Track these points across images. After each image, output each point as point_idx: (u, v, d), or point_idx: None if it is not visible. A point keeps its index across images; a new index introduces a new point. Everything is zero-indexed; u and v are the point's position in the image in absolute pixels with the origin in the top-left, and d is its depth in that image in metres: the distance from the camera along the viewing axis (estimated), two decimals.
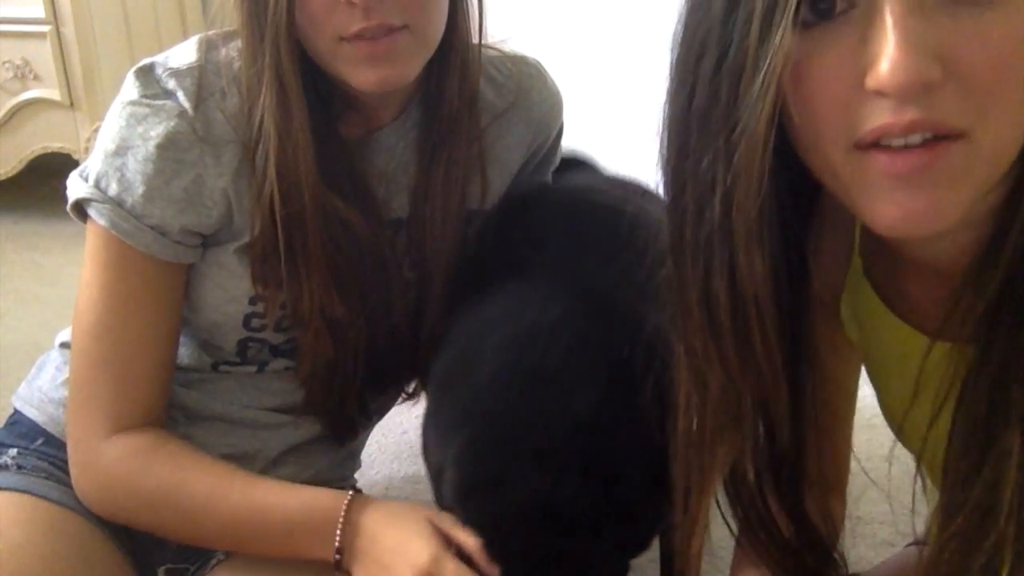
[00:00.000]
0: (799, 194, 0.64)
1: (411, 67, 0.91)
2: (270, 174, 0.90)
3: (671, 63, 0.63)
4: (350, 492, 0.93)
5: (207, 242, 0.96)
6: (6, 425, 1.09)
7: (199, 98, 0.91)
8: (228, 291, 0.97)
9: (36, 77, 2.38)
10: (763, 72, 0.54)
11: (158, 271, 0.94)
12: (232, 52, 0.93)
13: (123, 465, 0.94)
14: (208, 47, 0.94)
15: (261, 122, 0.90)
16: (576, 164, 1.30)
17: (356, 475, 1.23)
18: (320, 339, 0.97)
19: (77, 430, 0.96)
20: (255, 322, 1.00)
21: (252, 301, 0.98)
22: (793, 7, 0.53)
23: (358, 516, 0.91)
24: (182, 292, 0.97)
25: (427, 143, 0.99)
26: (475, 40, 0.99)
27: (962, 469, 0.62)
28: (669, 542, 1.07)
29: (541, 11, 2.68)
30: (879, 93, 0.52)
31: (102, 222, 0.92)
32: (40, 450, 1.04)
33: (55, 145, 2.43)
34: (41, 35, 2.33)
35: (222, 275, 0.97)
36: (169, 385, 0.99)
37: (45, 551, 0.93)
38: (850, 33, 0.54)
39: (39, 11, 2.30)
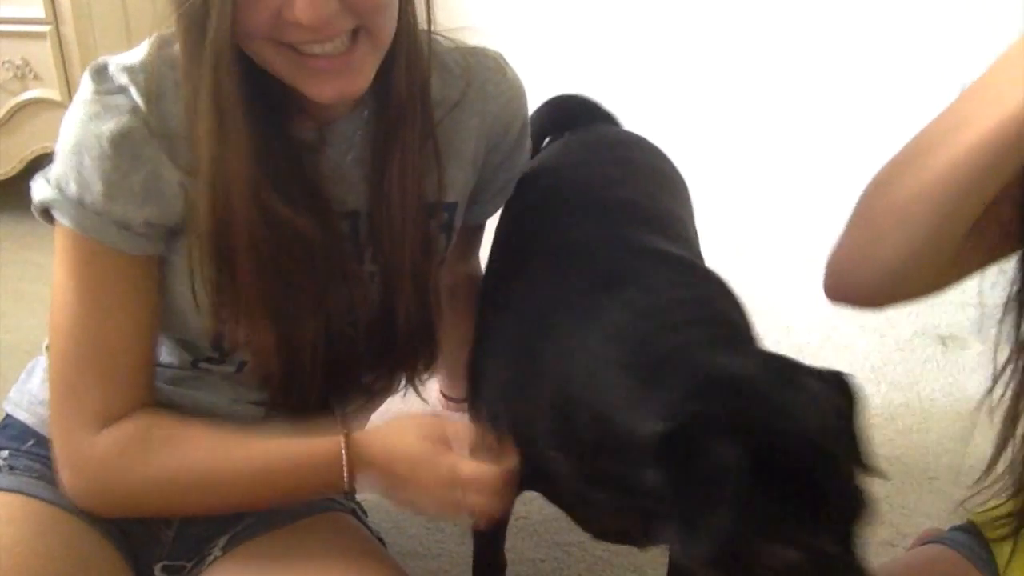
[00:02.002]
0: None
1: (367, 75, 0.91)
2: (203, 206, 0.90)
3: None
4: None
5: (173, 230, 0.95)
6: None
7: (152, 93, 0.90)
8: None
9: (36, 77, 2.37)
10: None
11: (129, 265, 0.94)
12: None
13: (118, 456, 0.94)
14: (162, 43, 0.93)
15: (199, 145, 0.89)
16: (583, 115, 1.36)
17: None
18: (262, 358, 0.97)
19: (64, 433, 0.96)
20: (224, 312, 0.99)
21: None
22: None
23: (361, 438, 0.93)
24: (157, 284, 0.97)
25: (379, 133, 0.99)
26: (423, 27, 0.98)
27: None
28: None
29: (512, 3, 2.67)
30: None
31: (66, 222, 0.92)
32: (31, 451, 1.04)
33: (55, 145, 2.42)
34: (41, 35, 2.32)
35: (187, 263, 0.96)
36: (153, 380, 0.99)
37: (39, 550, 0.93)
38: None
39: (39, 11, 2.30)
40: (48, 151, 2.43)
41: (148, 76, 0.91)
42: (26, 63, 2.36)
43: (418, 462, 0.90)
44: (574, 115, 1.36)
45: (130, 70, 0.91)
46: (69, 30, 2.32)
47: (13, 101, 2.41)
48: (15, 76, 2.37)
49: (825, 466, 0.75)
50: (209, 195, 0.89)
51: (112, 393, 0.95)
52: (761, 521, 0.73)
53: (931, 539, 1.05)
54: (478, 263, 1.28)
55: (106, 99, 0.90)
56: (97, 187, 0.90)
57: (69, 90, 2.38)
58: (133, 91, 0.90)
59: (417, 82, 0.98)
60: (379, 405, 1.19)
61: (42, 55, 2.35)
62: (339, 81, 0.88)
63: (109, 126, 0.89)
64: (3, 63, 2.37)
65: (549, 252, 1.01)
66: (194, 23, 0.84)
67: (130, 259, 0.93)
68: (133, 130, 0.90)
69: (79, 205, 0.91)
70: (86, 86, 0.92)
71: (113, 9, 2.43)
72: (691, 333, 0.84)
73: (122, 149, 0.90)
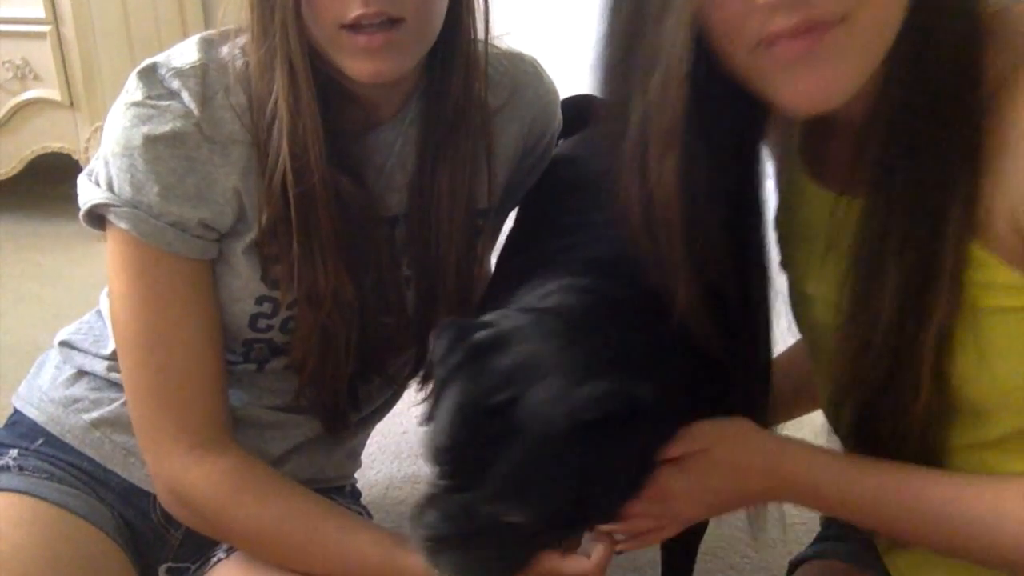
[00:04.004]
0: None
1: (407, 61, 0.90)
2: (283, 153, 0.90)
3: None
4: None
5: (224, 234, 0.95)
6: (6, 425, 1.09)
7: (204, 97, 0.91)
8: (233, 291, 0.97)
9: (36, 77, 2.38)
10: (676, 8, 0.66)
11: (191, 269, 0.94)
12: (234, 49, 0.93)
13: (210, 489, 0.94)
14: (209, 46, 0.94)
15: (274, 105, 0.90)
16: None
17: (356, 475, 1.23)
18: (331, 317, 0.96)
19: (153, 445, 0.95)
20: (261, 323, 0.99)
21: (259, 301, 0.98)
22: None
23: None
24: (214, 287, 0.97)
25: (430, 140, 0.99)
26: (480, 36, 0.98)
27: (858, 297, 0.75)
28: (670, 542, 1.07)
29: (541, 6, 2.68)
30: (769, 5, 0.63)
31: (123, 225, 0.91)
32: (41, 451, 1.04)
33: (55, 145, 2.43)
34: (41, 35, 2.33)
35: (229, 274, 0.97)
36: (227, 387, 0.99)
37: (46, 553, 0.93)
38: None
39: (39, 11, 2.31)
40: (48, 151, 2.44)
41: (199, 81, 0.91)
42: (26, 63, 2.37)
43: None
44: (588, 114, 1.37)
45: (181, 74, 0.91)
46: (69, 30, 2.33)
47: (13, 101, 2.41)
48: (15, 76, 2.38)
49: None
50: (289, 145, 0.90)
51: (194, 400, 0.94)
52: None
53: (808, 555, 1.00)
54: (490, 265, 1.28)
55: (158, 103, 0.90)
56: (153, 189, 0.90)
57: (69, 90, 2.38)
58: (185, 96, 0.90)
59: (474, 89, 0.98)
60: (393, 404, 1.20)
61: (42, 55, 2.35)
62: (378, 61, 0.87)
63: (163, 129, 0.90)
64: (3, 63, 2.37)
65: (552, 233, 1.00)
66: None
67: (189, 263, 0.93)
68: (187, 135, 0.90)
69: (134, 208, 0.91)
70: (135, 89, 0.91)
71: (113, 9, 2.44)
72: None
73: (177, 152, 0.90)
